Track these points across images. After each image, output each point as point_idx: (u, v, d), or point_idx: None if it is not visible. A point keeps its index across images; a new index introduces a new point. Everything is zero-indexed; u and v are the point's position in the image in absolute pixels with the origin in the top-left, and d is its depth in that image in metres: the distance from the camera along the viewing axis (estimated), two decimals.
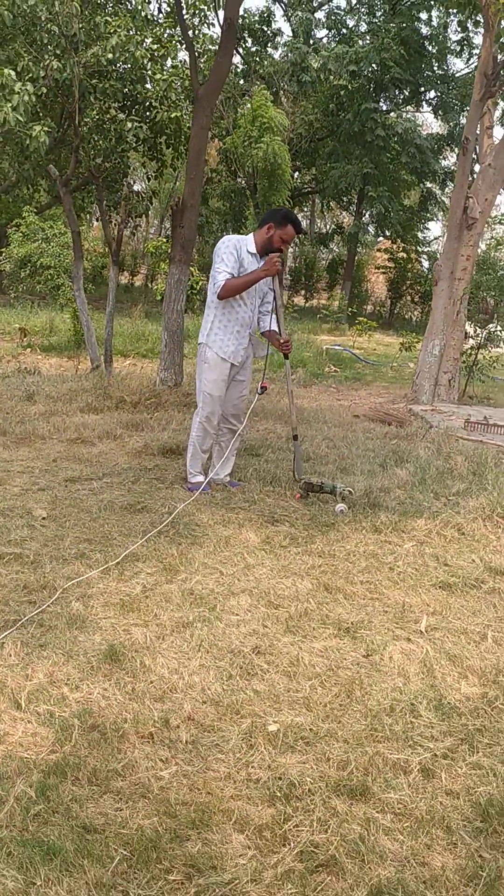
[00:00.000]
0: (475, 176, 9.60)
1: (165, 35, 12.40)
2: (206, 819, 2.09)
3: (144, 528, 4.29)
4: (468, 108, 10.24)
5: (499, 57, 8.92)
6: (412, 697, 2.76)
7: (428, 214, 26.18)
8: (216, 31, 15.98)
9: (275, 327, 5.19)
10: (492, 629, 3.36)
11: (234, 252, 4.91)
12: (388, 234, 26.80)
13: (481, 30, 9.76)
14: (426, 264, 27.58)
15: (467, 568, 4.02)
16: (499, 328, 19.78)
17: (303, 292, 33.08)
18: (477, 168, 10.30)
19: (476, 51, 20.39)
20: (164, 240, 17.57)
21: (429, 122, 29.75)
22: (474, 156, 10.14)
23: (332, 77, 21.03)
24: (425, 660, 3.05)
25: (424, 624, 3.37)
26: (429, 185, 25.39)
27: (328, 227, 33.81)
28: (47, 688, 2.68)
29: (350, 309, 22.41)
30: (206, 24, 11.34)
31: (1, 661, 2.84)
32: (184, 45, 9.22)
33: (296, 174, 25.23)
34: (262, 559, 4.02)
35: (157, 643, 3.05)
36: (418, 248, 27.31)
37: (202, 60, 13.53)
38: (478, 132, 9.67)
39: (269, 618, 3.35)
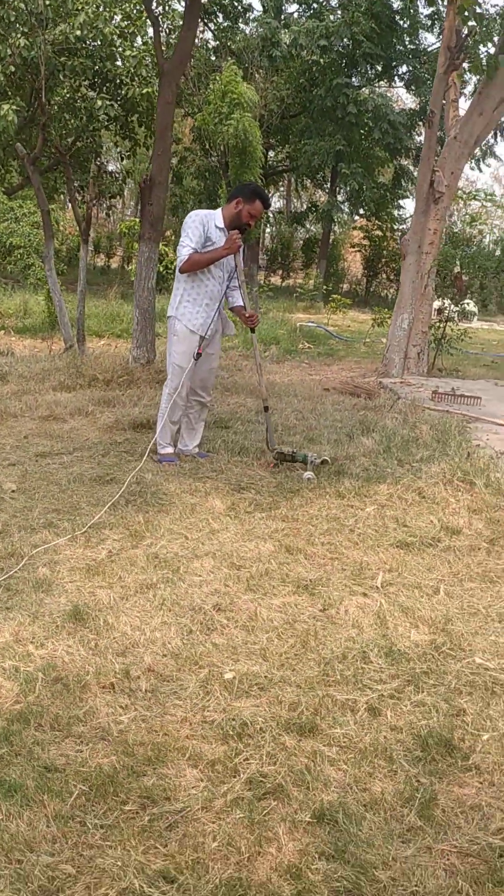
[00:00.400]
0: (441, 149, 9.68)
1: (135, 11, 12.34)
2: (161, 756, 2.22)
3: (113, 498, 4.39)
4: None
5: (462, 30, 8.97)
6: (364, 646, 2.89)
7: (402, 191, 26.20)
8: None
9: (239, 302, 5.29)
10: (444, 583, 3.50)
11: (201, 226, 4.98)
12: (362, 212, 26.83)
13: None
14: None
15: (425, 528, 4.16)
16: (471, 304, 19.91)
17: (279, 272, 33.06)
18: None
19: None
20: (137, 220, 17.51)
21: (402, 98, 29.66)
22: (441, 130, 10.20)
23: (303, 52, 20.93)
24: (379, 612, 3.18)
25: (380, 580, 3.51)
26: (402, 161, 25.41)
27: (303, 205, 33.72)
28: (13, 646, 2.79)
29: (326, 287, 22.46)
30: None
31: None
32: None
33: (269, 152, 25.14)
34: (227, 524, 4.13)
35: (120, 603, 3.16)
36: (393, 225, 27.36)
37: (173, 36, 13.46)
38: (444, 104, 9.74)
39: (231, 578, 3.46)
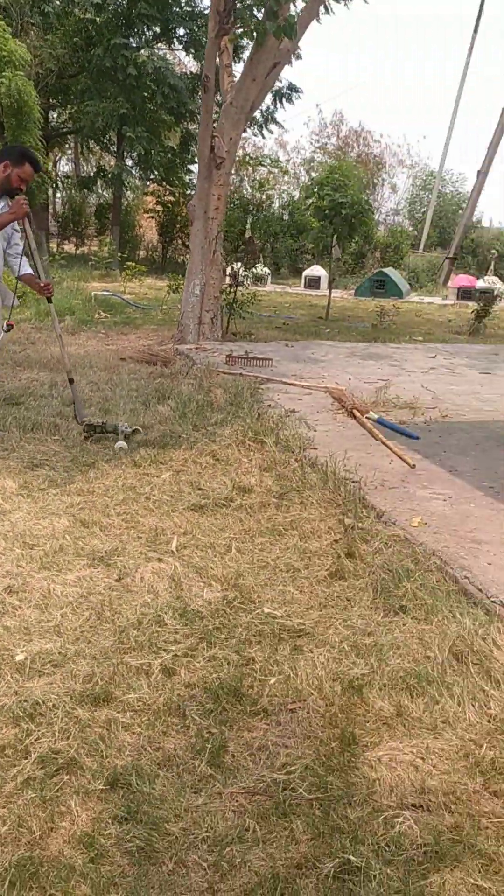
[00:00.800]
0: (220, 114, 9.75)
1: None
2: None
3: None
4: None
5: None
6: (158, 610, 2.94)
7: (190, 156, 26.16)
8: None
9: (27, 270, 5.07)
10: (236, 541, 3.63)
11: None
12: (152, 177, 26.51)
13: None
14: None
15: (218, 490, 4.27)
16: (263, 267, 20.39)
17: (72, 239, 31.99)
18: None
19: None
20: None
21: (183, 62, 29.46)
22: (218, 94, 10.27)
23: (76, 10, 20.12)
24: (174, 575, 3.24)
25: (175, 544, 3.57)
26: (189, 126, 25.34)
27: (92, 170, 32.76)
28: None
29: (121, 255, 22.06)
30: None
31: None
32: None
33: (50, 112, 24.08)
34: (20, 504, 4.00)
35: None
36: (185, 191, 27.30)
37: None
38: (219, 70, 9.79)
39: (23, 558, 3.37)
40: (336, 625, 2.89)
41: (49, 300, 5.29)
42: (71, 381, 5.37)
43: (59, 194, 31.32)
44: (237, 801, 2.00)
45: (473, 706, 2.40)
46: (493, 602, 3.02)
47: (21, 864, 1.75)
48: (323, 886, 1.74)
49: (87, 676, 2.50)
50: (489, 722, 2.33)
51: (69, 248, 29.90)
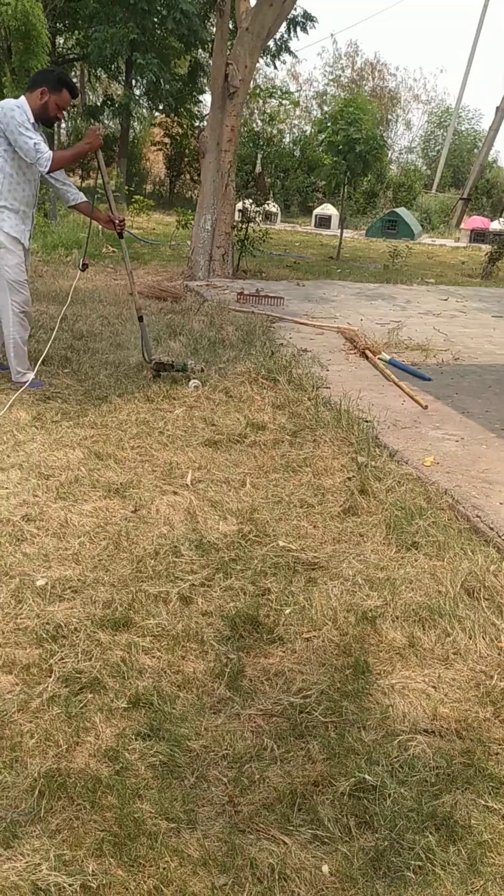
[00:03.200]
0: (234, 41, 9.43)
1: None
2: None
3: None
4: None
5: None
6: (175, 541, 2.99)
7: (198, 86, 25.39)
8: None
9: (82, 198, 4.90)
10: (250, 476, 3.66)
11: (28, 119, 4.46)
12: (161, 107, 25.78)
13: None
14: None
15: (232, 426, 4.28)
16: (274, 205, 20.03)
17: (78, 171, 31.30)
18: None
19: None
20: None
21: None
22: (233, 20, 9.92)
23: None
24: (189, 508, 3.28)
25: (190, 478, 3.60)
26: (200, 54, 24.52)
27: (99, 99, 31.86)
28: None
29: (128, 188, 21.62)
30: None
31: None
32: None
33: (57, 38, 23.29)
34: (34, 435, 4.02)
35: None
36: (193, 122, 26.60)
37: None
38: None
39: (39, 488, 3.40)
40: (349, 559, 2.93)
41: (120, 235, 5.13)
42: (140, 318, 5.26)
43: (63, 124, 30.56)
44: (255, 722, 2.06)
45: (484, 639, 2.45)
46: None
47: (49, 775, 1.82)
48: (339, 803, 1.81)
49: (107, 602, 2.55)
50: (500, 654, 2.38)
51: (74, 179, 29.28)
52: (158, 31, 21.33)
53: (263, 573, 2.80)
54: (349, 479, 3.59)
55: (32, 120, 4.51)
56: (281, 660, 2.33)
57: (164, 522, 3.16)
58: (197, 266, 9.59)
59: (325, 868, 1.64)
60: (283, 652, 2.37)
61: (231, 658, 2.30)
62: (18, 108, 4.45)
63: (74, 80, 34.50)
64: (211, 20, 22.33)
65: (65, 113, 4.73)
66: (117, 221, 4.96)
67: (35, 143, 4.41)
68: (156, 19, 20.96)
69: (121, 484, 3.49)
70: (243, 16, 9.39)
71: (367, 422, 4.40)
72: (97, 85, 33.25)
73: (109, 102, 25.93)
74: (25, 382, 4.78)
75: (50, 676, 2.17)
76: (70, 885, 1.54)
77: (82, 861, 1.61)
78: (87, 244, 5.94)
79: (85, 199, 4.90)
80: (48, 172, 4.53)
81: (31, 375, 4.87)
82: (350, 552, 2.99)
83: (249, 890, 1.58)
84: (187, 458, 3.85)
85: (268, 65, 24.21)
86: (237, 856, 1.65)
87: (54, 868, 1.58)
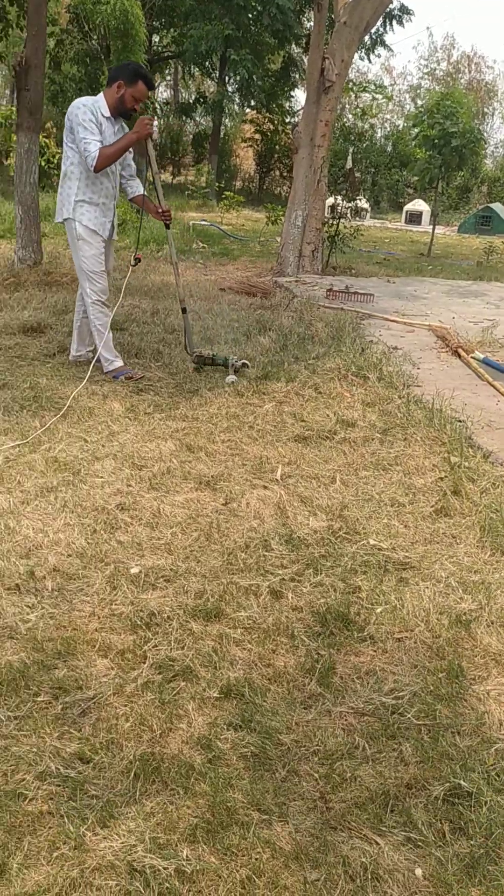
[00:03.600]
0: (331, 35, 9.37)
1: None
2: (71, 649, 2.26)
3: (6, 403, 4.26)
4: None
5: None
6: (265, 535, 2.99)
7: (291, 82, 25.37)
8: None
9: (140, 191, 5.03)
10: (340, 473, 3.63)
11: (93, 117, 4.63)
12: (253, 103, 25.90)
13: None
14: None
15: (321, 422, 4.26)
16: (364, 201, 19.81)
17: (169, 167, 31.81)
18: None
19: None
20: (13, 108, 16.32)
21: None
22: (330, 14, 9.85)
23: None
24: (279, 503, 3.28)
25: (279, 473, 3.60)
26: (293, 50, 24.48)
27: (192, 96, 32.24)
28: None
29: (218, 184, 21.81)
30: None
31: None
32: None
33: (153, 36, 23.68)
34: (127, 426, 4.10)
35: (21, 508, 3.13)
36: (284, 118, 26.61)
37: None
38: None
39: (133, 478, 3.47)
40: (442, 560, 2.88)
41: (167, 226, 5.22)
42: (184, 310, 5.33)
43: (156, 122, 31.09)
44: (346, 720, 2.05)
45: None
46: None
47: (144, 759, 1.85)
48: (433, 807, 1.78)
49: (199, 593, 2.58)
50: None
51: (165, 176, 29.80)
52: (253, 28, 21.41)
53: (354, 571, 2.78)
54: (441, 479, 3.52)
55: (108, 115, 4.66)
56: (372, 659, 2.31)
57: (254, 516, 3.17)
58: (286, 262, 9.59)
59: (419, 871, 1.61)
60: (375, 651, 2.34)
61: (322, 654, 2.29)
62: (84, 107, 4.61)
63: (167, 78, 35.04)
64: (306, 15, 22.26)
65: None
66: (161, 211, 5.02)
67: (85, 142, 4.53)
68: (251, 15, 21.06)
69: (211, 477, 3.52)
70: (341, 10, 9.31)
71: (460, 421, 4.30)
72: (190, 82, 33.64)
73: (202, 100, 26.20)
74: (114, 371, 4.91)
75: (144, 662, 2.21)
76: (165, 869, 1.56)
77: (176, 845, 1.63)
78: (138, 238, 5.90)
79: (142, 192, 5.02)
80: (95, 170, 4.61)
81: (119, 363, 4.98)
82: (443, 553, 2.93)
83: (342, 887, 1.57)
84: (277, 453, 3.85)
85: (362, 59, 24.04)
86: (329, 852, 1.64)
87: (149, 850, 1.61)
